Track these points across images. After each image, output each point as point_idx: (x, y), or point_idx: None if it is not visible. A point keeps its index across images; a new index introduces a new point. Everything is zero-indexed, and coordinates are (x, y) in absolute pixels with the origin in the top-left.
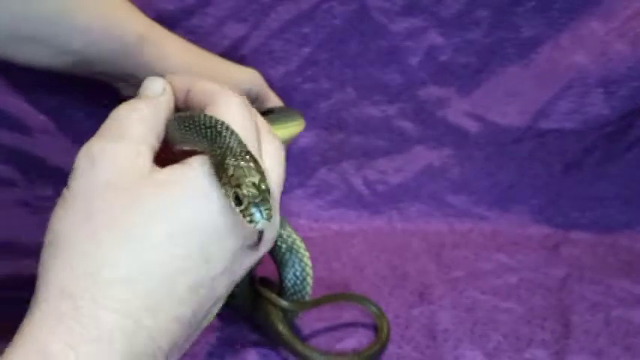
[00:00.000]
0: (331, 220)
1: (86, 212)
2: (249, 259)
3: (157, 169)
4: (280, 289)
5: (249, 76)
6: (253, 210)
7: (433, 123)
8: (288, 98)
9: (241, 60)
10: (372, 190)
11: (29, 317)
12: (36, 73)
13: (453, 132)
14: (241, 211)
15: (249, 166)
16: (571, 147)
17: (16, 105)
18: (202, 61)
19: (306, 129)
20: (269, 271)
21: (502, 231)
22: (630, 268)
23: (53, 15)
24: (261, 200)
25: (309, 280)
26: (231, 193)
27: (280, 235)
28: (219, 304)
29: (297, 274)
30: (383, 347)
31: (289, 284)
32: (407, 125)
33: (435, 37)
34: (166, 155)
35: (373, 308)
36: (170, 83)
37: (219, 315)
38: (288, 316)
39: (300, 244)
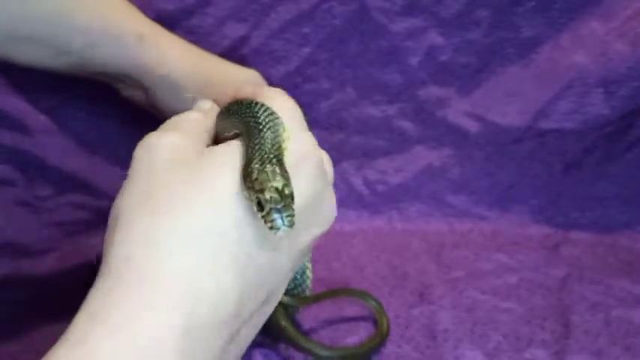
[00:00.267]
0: None
1: (147, 187)
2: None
3: (213, 147)
4: None
5: (249, 76)
6: (275, 216)
7: (433, 123)
8: None
9: (241, 60)
10: (372, 190)
11: (94, 290)
12: (36, 73)
13: (453, 132)
14: (263, 216)
15: (274, 171)
16: (571, 147)
17: (16, 105)
18: (202, 62)
19: None
20: None
21: (502, 231)
22: (630, 268)
23: (52, 15)
24: (284, 206)
25: (309, 273)
26: (253, 198)
27: None
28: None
29: (297, 268)
30: (383, 340)
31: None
32: (407, 125)
33: (435, 37)
34: None
35: (373, 303)
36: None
37: None
38: (289, 312)
39: None
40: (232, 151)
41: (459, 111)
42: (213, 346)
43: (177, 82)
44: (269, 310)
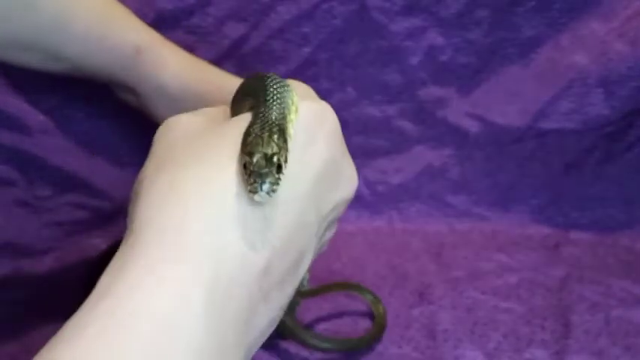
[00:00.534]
0: None
1: (167, 156)
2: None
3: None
4: None
5: None
6: (256, 180)
7: (433, 123)
8: None
9: (241, 60)
10: (372, 190)
11: (116, 257)
12: (36, 73)
13: (453, 132)
14: (246, 179)
15: (270, 138)
16: (571, 147)
17: (16, 105)
18: (199, 74)
19: None
20: None
21: (502, 231)
22: (630, 268)
23: (50, 24)
24: (266, 173)
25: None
26: (242, 161)
27: None
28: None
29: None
30: (381, 331)
31: None
32: (407, 125)
33: (435, 37)
34: None
35: (368, 295)
36: None
37: None
38: (288, 305)
39: None
40: (245, 118)
41: (459, 111)
42: (242, 304)
43: (173, 95)
44: (300, 273)
